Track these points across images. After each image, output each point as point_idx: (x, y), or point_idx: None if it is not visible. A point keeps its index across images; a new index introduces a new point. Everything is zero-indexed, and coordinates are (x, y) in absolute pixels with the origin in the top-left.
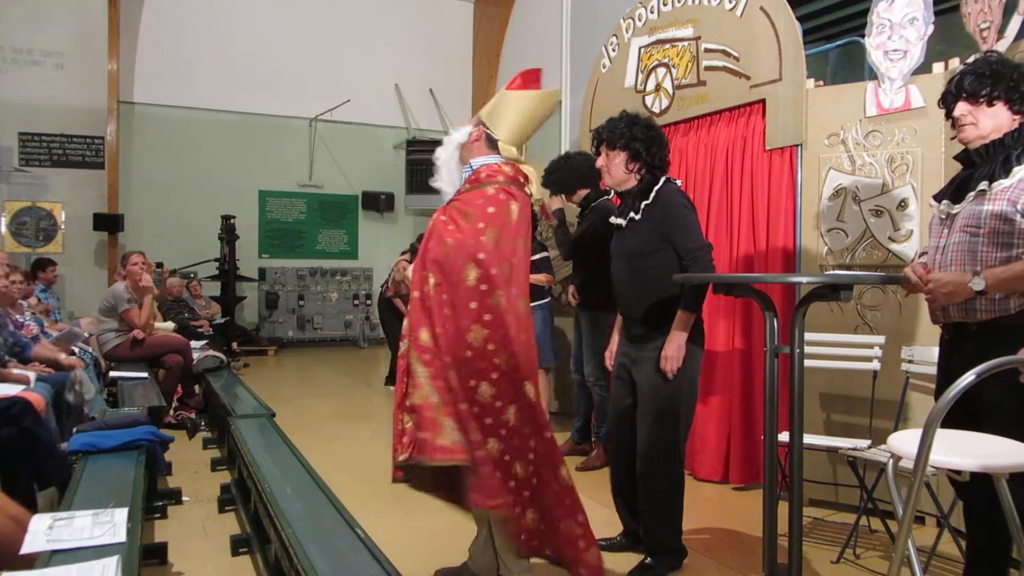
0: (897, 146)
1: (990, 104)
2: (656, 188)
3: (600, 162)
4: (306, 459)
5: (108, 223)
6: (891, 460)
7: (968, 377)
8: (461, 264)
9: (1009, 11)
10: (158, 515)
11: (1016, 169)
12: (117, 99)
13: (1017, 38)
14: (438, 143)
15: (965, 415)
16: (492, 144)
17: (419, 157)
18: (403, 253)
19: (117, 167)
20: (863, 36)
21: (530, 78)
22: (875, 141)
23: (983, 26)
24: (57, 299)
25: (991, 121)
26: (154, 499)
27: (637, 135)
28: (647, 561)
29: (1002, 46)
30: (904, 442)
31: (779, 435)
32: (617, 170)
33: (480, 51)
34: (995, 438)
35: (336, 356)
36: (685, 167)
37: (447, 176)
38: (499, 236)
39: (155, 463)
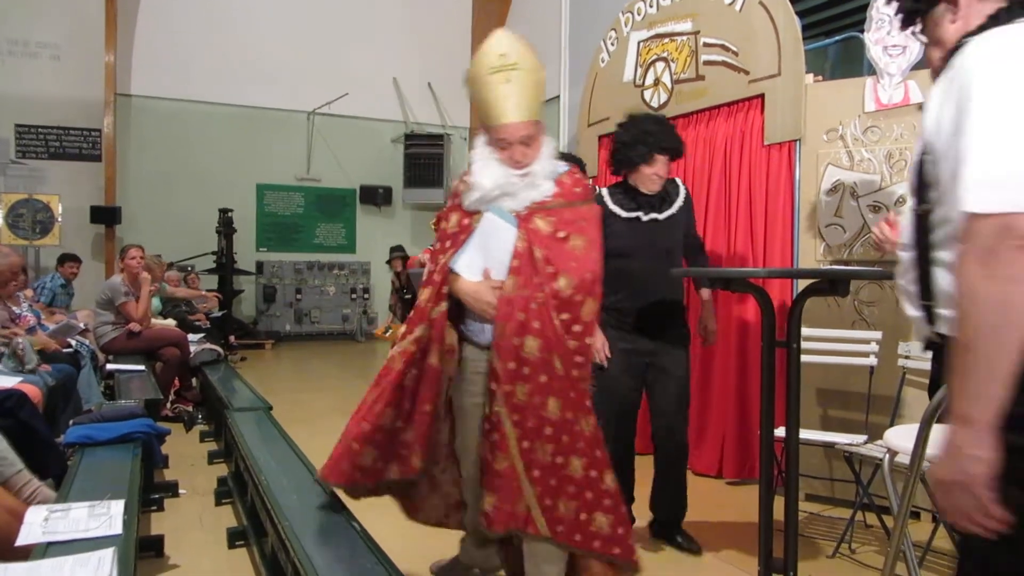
0: (895, 142)
1: None
2: (680, 186)
3: (661, 171)
4: (303, 452)
5: (105, 216)
6: (887, 455)
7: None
8: (583, 298)
9: None
10: (155, 508)
11: None
12: (114, 91)
13: None
14: (436, 137)
15: None
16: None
17: (417, 151)
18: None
19: (115, 160)
20: (862, 31)
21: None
22: (874, 137)
23: None
24: (71, 295)
25: None
26: (151, 492)
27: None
28: (681, 540)
29: None
30: (900, 437)
31: (775, 430)
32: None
33: (479, 45)
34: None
35: (333, 350)
36: (684, 162)
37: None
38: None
39: (152, 456)
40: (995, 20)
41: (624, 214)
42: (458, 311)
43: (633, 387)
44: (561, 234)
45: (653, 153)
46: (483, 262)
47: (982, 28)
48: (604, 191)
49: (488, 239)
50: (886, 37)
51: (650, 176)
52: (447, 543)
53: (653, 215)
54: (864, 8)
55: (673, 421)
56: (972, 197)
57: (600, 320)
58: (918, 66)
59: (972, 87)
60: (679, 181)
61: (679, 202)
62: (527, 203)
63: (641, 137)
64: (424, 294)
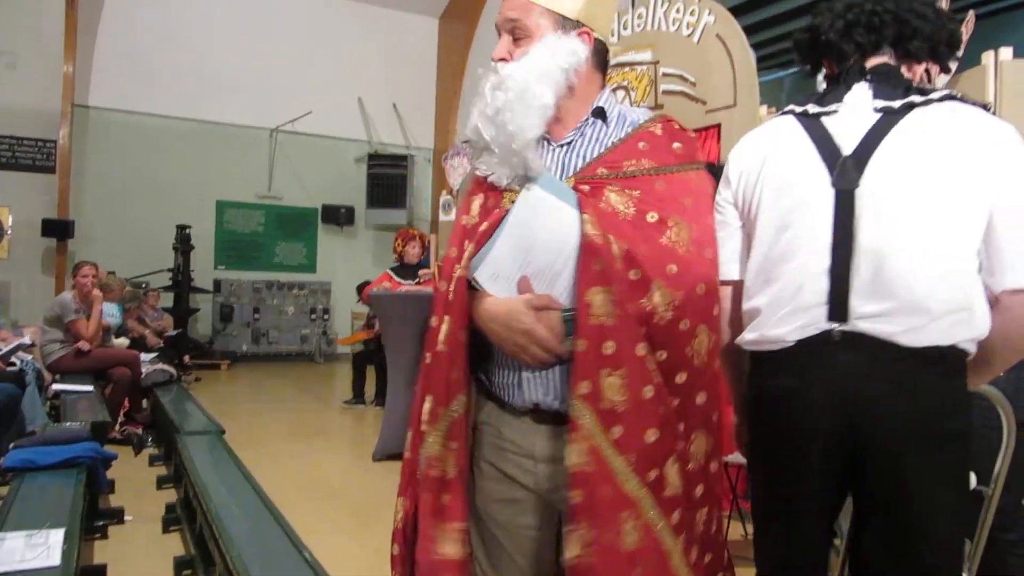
0: None
1: None
2: None
3: None
4: (255, 478)
5: (57, 229)
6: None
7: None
8: (693, 326)
9: None
10: (98, 535)
11: None
12: (72, 102)
13: (958, 71)
14: (400, 158)
15: None
16: (600, 62)
17: (381, 171)
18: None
19: (69, 172)
20: None
21: None
22: None
23: None
24: None
25: None
26: (94, 519)
27: None
28: None
29: (943, 79)
30: None
31: (727, 456)
32: None
33: (444, 67)
34: None
35: (291, 371)
36: None
37: (534, 143)
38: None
39: (96, 481)
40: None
41: None
42: (483, 350)
43: None
44: (651, 217)
45: None
46: (521, 265)
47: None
48: None
49: (529, 228)
50: None
51: None
52: None
53: None
54: None
55: None
56: None
57: None
58: None
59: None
60: None
61: None
62: (582, 157)
63: None
64: (434, 326)
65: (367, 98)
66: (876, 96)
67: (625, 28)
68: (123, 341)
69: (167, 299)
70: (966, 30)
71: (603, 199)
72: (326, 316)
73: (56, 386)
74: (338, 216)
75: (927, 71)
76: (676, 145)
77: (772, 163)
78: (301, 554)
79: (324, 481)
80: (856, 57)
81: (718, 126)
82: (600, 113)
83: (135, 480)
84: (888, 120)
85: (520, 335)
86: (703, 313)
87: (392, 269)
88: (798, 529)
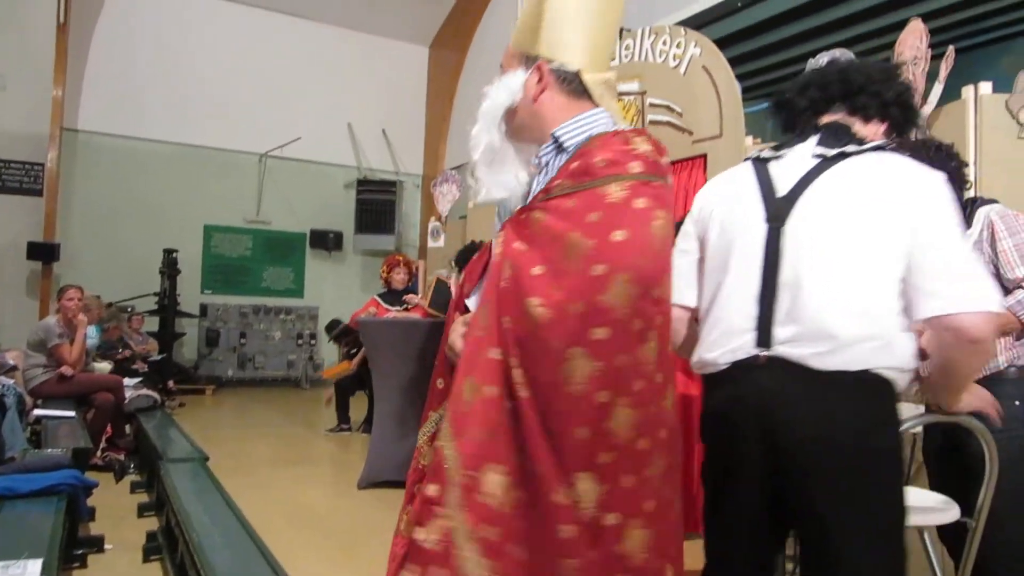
0: None
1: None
2: None
3: None
4: (238, 506)
5: (43, 252)
6: None
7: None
8: (558, 352)
9: (932, 78)
10: (77, 564)
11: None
12: (60, 126)
13: (939, 104)
14: (389, 183)
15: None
16: (576, 87)
17: (369, 197)
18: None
19: (56, 195)
20: None
21: None
22: None
23: None
24: None
25: None
26: (74, 547)
27: None
28: None
29: (925, 111)
30: None
31: None
32: None
33: (434, 94)
34: (924, 492)
35: (277, 397)
36: None
37: (497, 174)
38: (634, 286)
39: (76, 509)
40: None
41: None
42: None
43: None
44: (551, 234)
45: None
46: None
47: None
48: None
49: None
50: None
51: None
52: None
53: None
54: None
55: None
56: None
57: None
58: None
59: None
60: None
61: None
62: (541, 185)
63: None
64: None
65: (357, 124)
66: (818, 145)
67: (612, 59)
68: (105, 366)
69: (152, 323)
70: (945, 65)
71: (522, 221)
72: (313, 341)
73: (37, 411)
74: (326, 241)
75: (890, 133)
76: (599, 159)
77: (724, 201)
78: None
79: (309, 509)
80: (809, 114)
81: (704, 156)
82: (556, 141)
83: (116, 507)
84: (821, 166)
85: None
86: (577, 335)
87: (380, 295)
88: (736, 549)
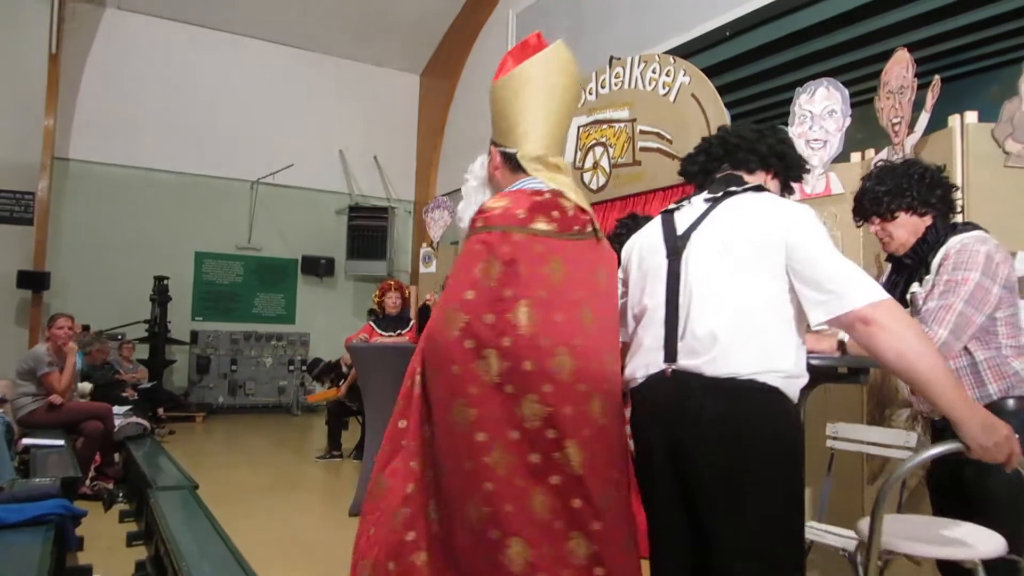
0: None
1: (893, 218)
2: None
3: None
4: (228, 535)
5: (33, 281)
6: (857, 545)
7: (914, 459)
8: (442, 360)
9: (918, 107)
10: None
11: (933, 264)
12: (52, 155)
13: (925, 132)
14: (381, 210)
15: (960, 503)
16: (516, 165)
17: (361, 223)
18: None
19: (47, 224)
20: (787, 125)
21: (525, 49)
22: None
23: (895, 121)
24: None
25: (903, 230)
26: None
27: None
28: None
29: (912, 140)
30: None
31: None
32: None
33: (425, 122)
34: (963, 524)
35: (268, 423)
36: (620, 243)
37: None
38: (462, 314)
39: (65, 539)
40: None
41: None
42: None
43: None
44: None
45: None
46: None
47: None
48: None
49: None
50: (808, 131)
51: None
52: None
53: None
54: (789, 103)
55: None
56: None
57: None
58: (838, 159)
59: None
60: None
61: None
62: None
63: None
64: None
65: (348, 151)
66: (708, 192)
67: (603, 87)
68: (85, 386)
69: (143, 351)
70: (932, 94)
71: None
72: (304, 367)
73: (26, 440)
74: (318, 267)
75: (778, 179)
76: (476, 216)
77: (639, 249)
78: None
79: (299, 537)
80: (702, 175)
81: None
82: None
83: (105, 537)
84: (710, 207)
85: None
86: (419, 356)
87: (374, 321)
88: (660, 551)
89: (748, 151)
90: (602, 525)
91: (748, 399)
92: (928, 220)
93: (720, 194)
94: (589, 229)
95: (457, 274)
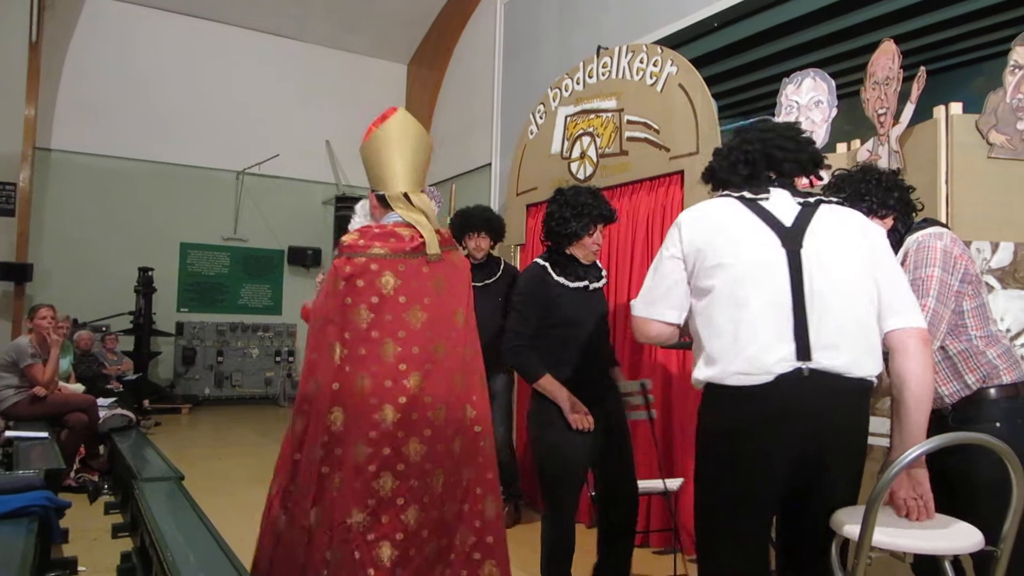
0: None
1: None
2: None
3: (600, 240)
4: (214, 525)
5: (15, 273)
6: (835, 541)
7: (913, 451)
8: (308, 349)
9: (903, 98)
10: None
11: None
12: (33, 145)
13: (911, 123)
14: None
15: (950, 496)
16: (385, 203)
17: (348, 214)
18: None
19: (29, 215)
20: (774, 115)
21: (382, 118)
22: None
23: (880, 112)
24: None
25: None
26: (46, 570)
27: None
28: None
29: (897, 131)
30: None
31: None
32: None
33: (412, 112)
34: (946, 518)
35: (255, 415)
36: (608, 232)
37: None
38: (317, 320)
39: (49, 531)
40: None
41: (572, 284)
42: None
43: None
44: None
45: (595, 223)
46: None
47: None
48: (543, 263)
49: None
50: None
51: (591, 245)
52: None
53: (595, 284)
54: (776, 93)
55: (632, 486)
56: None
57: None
58: (824, 150)
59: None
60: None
61: (604, 274)
62: None
63: (582, 209)
64: None
65: (335, 141)
66: (793, 195)
67: (591, 76)
68: (78, 386)
69: (128, 342)
70: (917, 85)
71: None
72: (291, 359)
73: (9, 433)
74: (304, 258)
75: (810, 182)
76: (338, 246)
77: (724, 230)
78: None
79: None
80: (743, 180)
81: (682, 172)
82: None
83: (90, 529)
84: (808, 208)
85: None
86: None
87: None
88: (755, 555)
89: (793, 162)
90: (407, 469)
91: (866, 400)
92: (889, 222)
93: (814, 200)
94: (422, 249)
95: (323, 287)
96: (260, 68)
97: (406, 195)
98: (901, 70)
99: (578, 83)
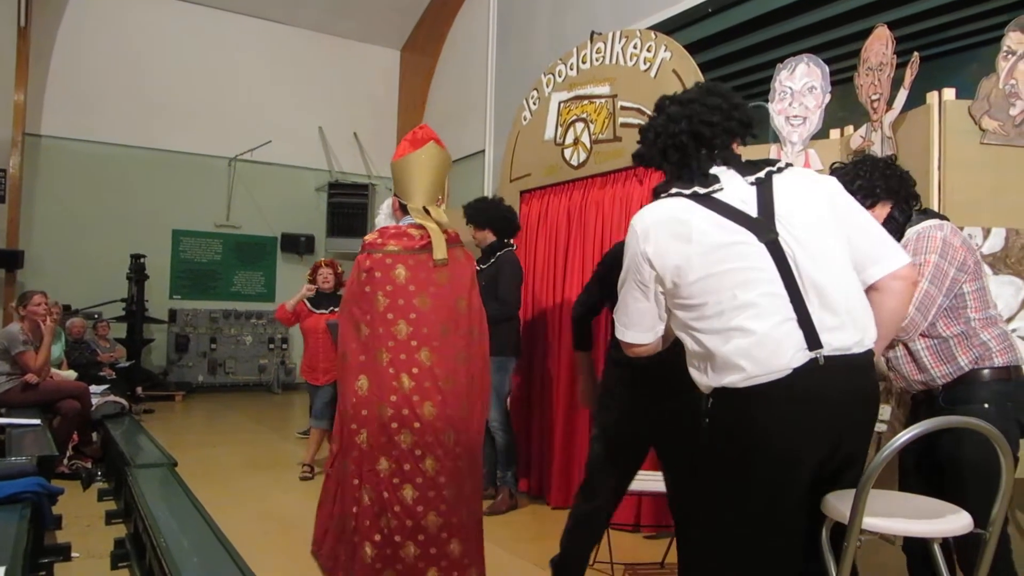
0: None
1: None
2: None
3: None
4: (207, 511)
5: (6, 260)
6: (826, 524)
7: (904, 435)
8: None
9: (896, 84)
10: (43, 573)
11: None
12: (23, 131)
13: (904, 109)
14: (361, 186)
15: (928, 480)
16: (405, 209)
17: (341, 200)
18: None
19: (19, 202)
20: (767, 101)
21: (415, 138)
22: None
23: (874, 98)
24: None
25: None
26: (39, 556)
27: None
28: None
29: (890, 117)
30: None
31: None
32: None
33: (406, 98)
34: (936, 502)
35: (248, 402)
36: (602, 219)
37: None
38: (347, 304)
39: (41, 517)
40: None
41: None
42: None
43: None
44: None
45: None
46: None
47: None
48: None
49: None
50: (787, 108)
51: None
52: None
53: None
54: (770, 80)
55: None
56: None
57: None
58: (818, 136)
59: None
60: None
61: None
62: None
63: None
64: None
65: (328, 127)
66: (743, 174)
67: (584, 62)
68: (71, 373)
69: (120, 330)
70: (911, 71)
71: None
72: (284, 346)
73: (1, 420)
74: (298, 245)
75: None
76: (363, 243)
77: (693, 239)
78: None
79: (279, 513)
80: (677, 166)
81: None
82: None
83: (84, 516)
84: (764, 188)
85: None
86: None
87: (309, 300)
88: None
89: (724, 134)
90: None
91: (873, 367)
92: (887, 209)
93: (764, 175)
94: (429, 246)
95: (350, 276)
96: (252, 53)
97: (425, 208)
98: (895, 56)
99: (571, 68)
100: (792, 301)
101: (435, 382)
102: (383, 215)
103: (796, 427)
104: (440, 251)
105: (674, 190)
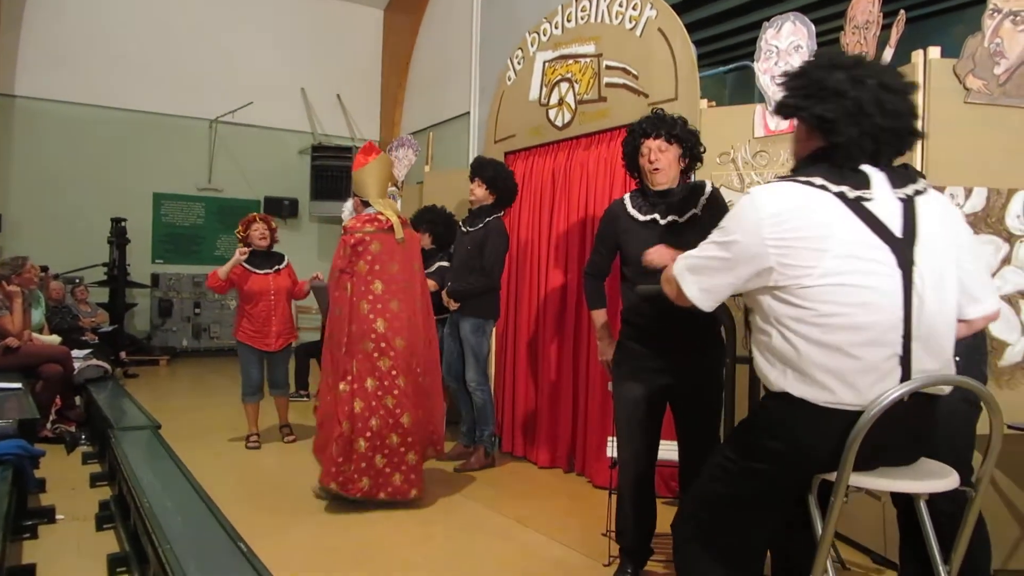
0: (782, 166)
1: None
2: (707, 184)
3: (656, 158)
4: (191, 472)
5: None
6: (813, 481)
7: (893, 392)
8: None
9: (882, 44)
10: (27, 535)
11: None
12: None
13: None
14: (345, 149)
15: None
16: (366, 204)
17: (325, 163)
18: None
19: None
20: (753, 61)
21: (367, 151)
22: (762, 161)
23: None
24: None
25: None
26: (23, 518)
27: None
28: None
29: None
30: None
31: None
32: (674, 165)
33: (389, 58)
34: (924, 460)
35: (233, 366)
36: (586, 180)
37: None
38: (335, 273)
39: (23, 479)
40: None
41: (642, 217)
42: None
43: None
44: None
45: (641, 139)
46: None
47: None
48: (626, 196)
49: None
50: (773, 67)
51: (644, 166)
52: (339, 564)
53: (672, 217)
54: (755, 41)
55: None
56: None
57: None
58: None
59: None
60: (707, 181)
61: (695, 209)
62: None
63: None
64: None
65: (310, 89)
66: (893, 187)
67: (569, 20)
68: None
69: (102, 294)
70: (896, 30)
71: None
72: None
73: None
74: (281, 208)
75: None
76: (344, 228)
77: (829, 240)
78: (237, 546)
79: (263, 474)
80: (854, 161)
81: None
82: None
83: (68, 479)
84: (908, 207)
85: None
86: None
87: (246, 260)
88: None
89: (904, 138)
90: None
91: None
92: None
93: (911, 193)
94: (391, 228)
95: (336, 252)
96: (233, 12)
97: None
98: (881, 14)
99: (556, 27)
100: (903, 338)
101: (402, 323)
102: (347, 211)
103: (839, 450)
104: (399, 232)
105: (819, 180)
